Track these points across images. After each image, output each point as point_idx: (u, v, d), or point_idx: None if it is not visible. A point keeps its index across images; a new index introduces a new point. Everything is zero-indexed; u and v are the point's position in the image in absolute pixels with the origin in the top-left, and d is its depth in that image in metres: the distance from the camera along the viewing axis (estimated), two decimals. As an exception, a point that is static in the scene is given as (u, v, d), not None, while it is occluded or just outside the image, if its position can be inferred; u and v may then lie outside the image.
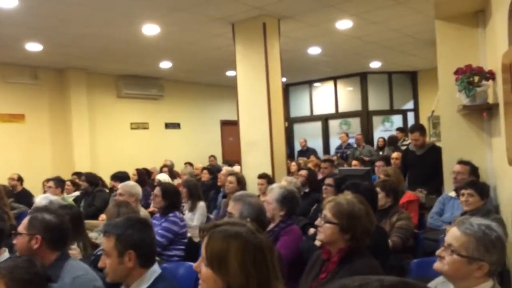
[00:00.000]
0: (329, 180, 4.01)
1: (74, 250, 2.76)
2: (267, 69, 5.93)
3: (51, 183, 5.63)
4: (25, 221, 2.25)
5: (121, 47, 7.42)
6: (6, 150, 8.17)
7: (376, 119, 11.59)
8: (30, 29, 6.16)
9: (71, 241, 2.99)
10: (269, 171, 5.70)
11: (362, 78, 11.43)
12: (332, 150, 11.46)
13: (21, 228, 2.22)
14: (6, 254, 2.37)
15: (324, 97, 12.19)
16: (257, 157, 5.99)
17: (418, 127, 5.29)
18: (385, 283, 0.73)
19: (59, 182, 5.77)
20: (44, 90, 8.81)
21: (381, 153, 9.54)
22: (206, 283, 1.37)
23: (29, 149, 8.52)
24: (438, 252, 1.76)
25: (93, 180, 6.29)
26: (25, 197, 6.25)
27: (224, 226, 1.42)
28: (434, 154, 4.98)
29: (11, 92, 8.33)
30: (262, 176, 5.22)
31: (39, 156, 8.62)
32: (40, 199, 4.22)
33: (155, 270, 1.97)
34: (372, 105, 11.50)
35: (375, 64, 10.33)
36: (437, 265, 1.75)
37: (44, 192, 5.55)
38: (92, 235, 3.82)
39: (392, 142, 9.23)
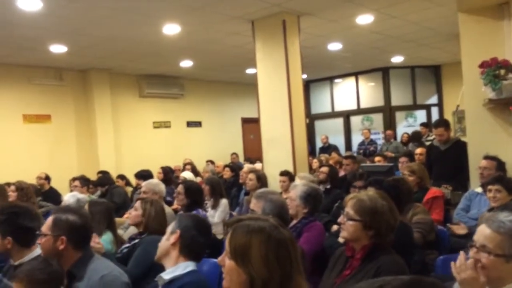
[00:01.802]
0: (359, 183, 3.97)
1: (98, 245, 2.81)
2: (287, 66, 5.91)
3: (77, 182, 5.76)
4: (49, 221, 2.25)
5: (142, 47, 7.51)
6: (34, 150, 8.38)
7: (399, 115, 11.44)
8: (54, 31, 6.30)
9: (99, 235, 3.06)
10: (290, 168, 5.69)
11: (384, 73, 11.28)
12: (354, 146, 11.37)
13: (45, 228, 2.23)
14: (36, 251, 2.42)
15: (346, 93, 12.09)
16: (278, 154, 5.99)
17: (443, 122, 5.20)
18: (405, 280, 0.73)
19: (84, 181, 5.90)
20: (68, 91, 9.00)
21: (405, 148, 9.40)
22: (230, 276, 1.39)
23: (55, 149, 8.72)
24: (472, 255, 1.67)
25: (101, 182, 6.41)
26: (53, 196, 6.41)
27: (247, 221, 1.44)
28: (459, 149, 4.89)
29: (37, 93, 8.53)
30: (283, 173, 5.22)
31: (65, 156, 8.81)
32: (68, 197, 4.34)
33: (190, 265, 2.07)
34: (395, 101, 11.35)
35: (397, 59, 10.19)
36: (475, 275, 1.64)
37: (71, 190, 5.67)
38: (119, 232, 3.88)
39: (416, 138, 9.08)
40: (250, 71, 9.58)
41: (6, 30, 6.07)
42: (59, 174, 7.77)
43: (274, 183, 5.42)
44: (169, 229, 2.15)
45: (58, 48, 7.19)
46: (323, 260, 2.64)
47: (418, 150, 6.19)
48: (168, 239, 2.09)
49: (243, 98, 11.89)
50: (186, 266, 2.04)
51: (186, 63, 9.10)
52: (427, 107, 11.49)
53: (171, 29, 6.44)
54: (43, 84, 8.59)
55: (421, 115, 11.37)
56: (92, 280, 2.12)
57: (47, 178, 7.01)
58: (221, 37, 7.10)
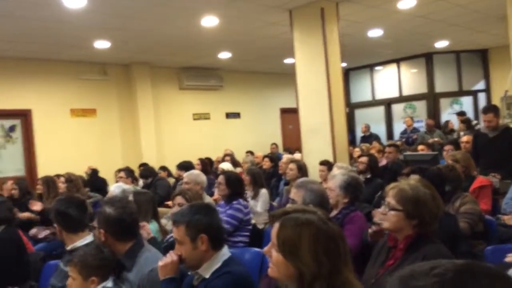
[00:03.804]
0: (407, 170, 3.88)
1: (145, 231, 2.90)
2: (326, 55, 5.83)
3: (122, 173, 5.96)
4: (96, 215, 2.41)
5: (181, 40, 7.62)
6: (81, 143, 8.72)
7: (443, 102, 11.05)
8: (98, 27, 6.50)
9: (144, 222, 3.16)
10: (330, 158, 5.64)
11: (428, 59, 10.91)
12: (396, 135, 11.09)
13: (95, 221, 2.39)
14: (88, 238, 2.55)
15: (387, 81, 11.80)
16: (317, 144, 5.94)
17: (492, 108, 4.98)
18: (458, 263, 0.72)
19: (129, 172, 6.10)
20: (112, 85, 9.27)
21: (449, 136, 9.08)
22: (277, 268, 1.40)
23: (101, 142, 9.02)
24: None
25: (146, 174, 6.57)
26: (101, 186, 6.65)
27: (295, 214, 1.44)
28: (508, 136, 4.69)
29: (83, 88, 8.85)
30: (323, 162, 5.18)
31: (110, 148, 9.11)
32: (113, 188, 4.50)
33: (225, 253, 2.05)
34: (439, 87, 10.97)
35: (441, 44, 9.82)
36: None
37: (116, 181, 5.88)
38: (162, 221, 3.99)
39: (469, 126, 8.67)
40: (288, 61, 9.53)
41: (54, 28, 6.32)
42: (105, 165, 8.06)
43: (314, 173, 5.39)
44: (184, 236, 1.99)
45: (102, 44, 7.41)
46: (364, 251, 2.61)
47: (465, 138, 5.97)
48: (196, 248, 1.97)
49: (281, 88, 11.84)
50: (222, 256, 2.03)
51: (225, 55, 9.16)
52: (474, 93, 11.03)
53: (209, 21, 6.49)
54: (88, 79, 8.89)
55: (467, 102, 10.94)
56: (141, 273, 2.18)
57: (95, 171, 7.29)
58: (259, 27, 7.09)
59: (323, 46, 5.83)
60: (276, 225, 1.43)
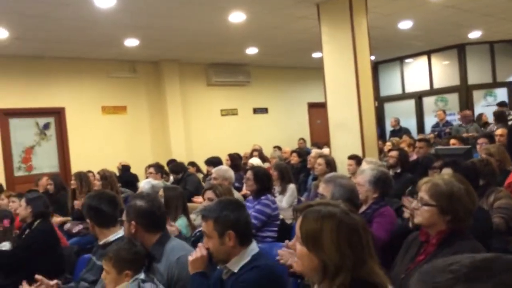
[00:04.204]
0: (438, 163, 3.81)
1: (173, 227, 2.94)
2: (355, 48, 5.75)
3: (152, 169, 6.06)
4: (126, 208, 2.46)
5: (209, 37, 7.67)
6: (112, 139, 8.91)
7: (477, 94, 10.73)
8: (127, 26, 6.62)
9: (173, 219, 3.22)
10: (359, 153, 5.57)
11: (460, 50, 10.60)
12: (427, 129, 10.84)
13: (124, 215, 2.44)
14: (118, 233, 2.61)
15: (417, 73, 11.53)
16: (346, 138, 5.88)
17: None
18: (476, 258, 0.70)
19: (158, 168, 6.20)
20: (142, 82, 9.43)
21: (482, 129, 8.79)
22: (302, 261, 1.42)
23: (131, 138, 9.20)
24: None
25: (177, 169, 6.65)
26: (132, 182, 6.79)
27: (318, 206, 1.45)
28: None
29: (114, 85, 9.03)
30: (351, 157, 5.13)
31: (140, 144, 9.27)
32: (143, 184, 4.60)
33: (253, 248, 2.06)
34: (472, 79, 10.65)
35: (474, 34, 9.52)
36: None
37: (146, 177, 5.98)
38: (191, 216, 4.05)
39: (500, 118, 8.37)
40: (316, 55, 9.45)
41: (85, 28, 6.47)
42: (135, 161, 8.22)
43: (342, 168, 5.34)
44: (213, 231, 2.01)
45: (131, 42, 7.54)
46: (393, 246, 2.57)
47: (499, 131, 5.78)
48: (223, 243, 1.99)
49: (309, 82, 11.76)
50: (250, 251, 2.04)
51: (252, 50, 9.16)
52: (509, 85, 10.65)
53: (236, 17, 6.50)
54: (119, 77, 9.07)
55: (501, 93, 10.57)
56: (169, 261, 2.24)
57: (126, 167, 7.44)
58: (286, 22, 7.05)
59: (351, 40, 5.75)
60: (299, 219, 1.45)
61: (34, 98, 8.04)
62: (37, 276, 2.39)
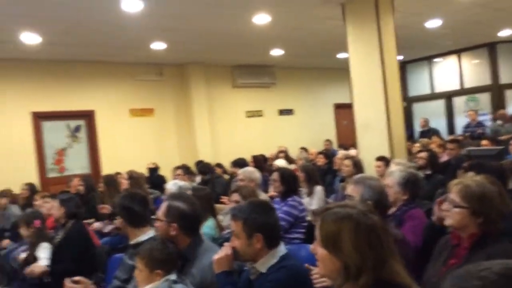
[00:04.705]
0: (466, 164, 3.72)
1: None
2: (381, 48, 5.68)
3: (179, 171, 6.14)
4: (163, 208, 2.43)
5: (234, 39, 7.72)
6: (140, 141, 9.07)
7: (509, 93, 10.42)
8: (154, 29, 6.73)
9: (203, 220, 3.25)
10: (386, 154, 5.50)
11: (491, 48, 10.34)
12: (458, 129, 10.59)
13: (160, 214, 2.42)
14: (149, 233, 2.65)
15: (447, 73, 11.30)
16: (373, 139, 5.81)
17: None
18: (508, 265, 0.69)
19: (186, 170, 6.27)
20: (168, 85, 9.56)
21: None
22: (323, 263, 1.43)
23: (158, 140, 9.34)
24: None
25: (205, 170, 6.70)
26: (160, 183, 6.89)
27: (335, 209, 1.46)
28: None
29: (141, 89, 9.19)
30: (379, 158, 5.06)
31: (167, 146, 9.40)
32: (170, 185, 4.65)
33: (281, 249, 2.07)
34: (505, 78, 10.36)
35: (505, 32, 9.27)
36: None
37: (174, 178, 6.06)
38: (219, 218, 4.08)
39: None
40: (341, 55, 9.39)
41: (112, 32, 6.62)
42: (163, 163, 8.33)
43: (369, 169, 5.27)
44: (241, 232, 2.03)
45: (158, 45, 7.66)
46: (424, 249, 2.53)
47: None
48: (251, 245, 2.01)
49: (334, 83, 11.68)
50: (278, 252, 2.06)
51: (277, 52, 9.17)
52: (543, 83, 10.32)
53: (261, 19, 6.52)
54: (145, 80, 9.22)
55: (535, 93, 10.26)
56: (202, 264, 2.25)
57: (156, 167, 7.55)
58: (311, 23, 7.03)
59: (377, 39, 5.68)
60: (318, 221, 1.46)
61: (65, 102, 8.27)
62: (77, 278, 2.42)
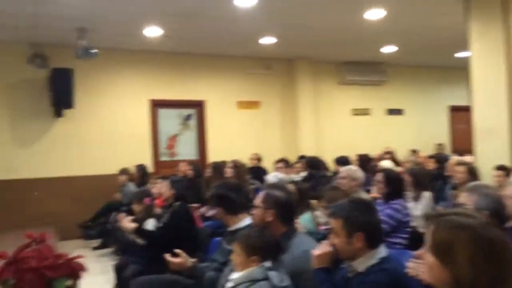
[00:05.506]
0: None
1: (297, 224, 2.98)
2: (509, 47, 5.16)
3: (281, 164, 6.22)
4: (261, 195, 2.53)
5: (343, 35, 7.58)
6: (245, 133, 9.34)
7: None
8: (266, 25, 6.86)
9: (297, 214, 3.26)
10: (507, 163, 5.00)
11: None
12: None
13: (258, 201, 2.52)
14: (246, 220, 2.73)
15: None
16: (494, 146, 5.31)
17: None
18: None
19: (287, 163, 6.33)
20: (275, 79, 9.70)
21: None
22: (431, 271, 1.32)
23: (262, 132, 9.53)
24: None
25: (313, 164, 6.65)
26: (261, 174, 7.04)
27: (453, 216, 1.34)
28: None
29: (249, 82, 9.46)
30: (499, 167, 4.62)
31: (270, 139, 9.56)
32: (270, 177, 4.73)
33: (382, 251, 2.01)
34: None
35: None
36: None
37: (276, 171, 6.15)
38: (316, 213, 4.05)
39: None
40: (459, 54, 8.72)
41: (224, 26, 6.89)
42: (264, 155, 8.49)
43: (487, 178, 4.84)
44: (341, 230, 2.00)
45: (268, 40, 7.81)
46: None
47: None
48: (350, 244, 1.98)
49: (451, 84, 10.88)
50: (378, 253, 2.00)
51: (389, 49, 8.81)
52: None
53: (375, 14, 6.31)
54: (254, 74, 9.46)
55: None
56: (296, 254, 2.28)
57: (259, 159, 7.75)
58: (428, 18, 6.63)
59: (503, 38, 5.18)
60: (431, 227, 1.34)
61: (180, 91, 8.82)
62: (178, 251, 2.61)
